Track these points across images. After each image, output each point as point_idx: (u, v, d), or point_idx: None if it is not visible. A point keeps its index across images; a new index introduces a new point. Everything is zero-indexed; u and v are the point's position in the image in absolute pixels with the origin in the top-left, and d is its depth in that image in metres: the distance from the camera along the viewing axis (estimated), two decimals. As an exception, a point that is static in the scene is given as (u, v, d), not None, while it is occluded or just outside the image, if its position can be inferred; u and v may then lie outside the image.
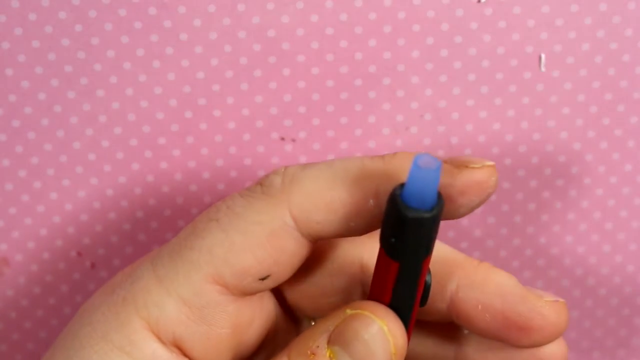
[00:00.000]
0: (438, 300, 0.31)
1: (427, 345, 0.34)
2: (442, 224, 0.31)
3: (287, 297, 0.33)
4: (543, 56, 0.36)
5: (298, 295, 0.33)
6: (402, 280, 0.27)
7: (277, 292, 0.33)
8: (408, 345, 0.29)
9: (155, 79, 0.35)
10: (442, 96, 0.36)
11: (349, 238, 0.32)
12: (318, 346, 0.28)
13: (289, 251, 0.29)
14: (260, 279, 0.29)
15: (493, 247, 0.40)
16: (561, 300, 0.31)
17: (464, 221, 0.39)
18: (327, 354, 0.27)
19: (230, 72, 0.35)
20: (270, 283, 0.30)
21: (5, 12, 0.34)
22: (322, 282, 0.32)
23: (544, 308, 0.30)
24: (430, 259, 0.28)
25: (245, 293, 0.30)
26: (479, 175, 0.29)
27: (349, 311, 0.28)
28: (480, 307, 0.31)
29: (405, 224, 0.26)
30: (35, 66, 0.35)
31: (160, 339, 0.30)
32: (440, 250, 0.32)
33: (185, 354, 0.30)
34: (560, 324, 0.30)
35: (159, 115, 0.36)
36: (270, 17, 0.34)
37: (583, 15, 0.36)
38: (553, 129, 0.37)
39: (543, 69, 0.36)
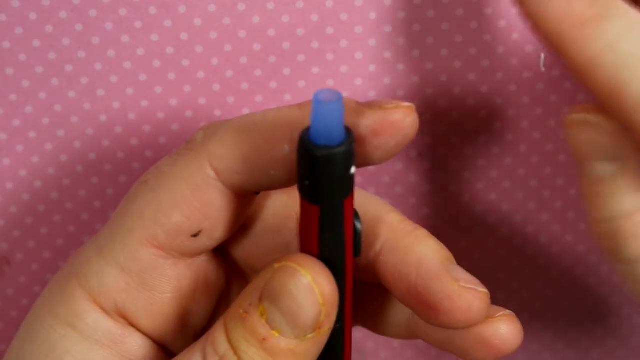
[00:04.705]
0: (364, 259, 0.30)
1: (382, 305, 0.33)
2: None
3: (239, 264, 0.33)
4: (543, 55, 0.36)
5: (246, 258, 0.32)
6: (326, 226, 0.27)
7: (231, 261, 0.33)
8: (350, 299, 0.28)
9: (156, 78, 0.35)
10: (442, 96, 0.36)
11: (285, 191, 0.32)
12: (250, 304, 0.27)
13: (216, 204, 0.29)
14: (192, 236, 0.29)
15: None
16: (482, 290, 0.29)
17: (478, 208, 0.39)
18: (259, 311, 0.27)
19: (230, 72, 0.35)
20: (205, 241, 0.30)
21: (5, 11, 0.34)
22: (264, 241, 0.32)
23: (454, 292, 0.29)
24: (352, 201, 0.27)
25: (182, 253, 0.30)
26: (393, 115, 0.28)
27: (276, 265, 0.27)
28: (397, 275, 0.29)
29: (315, 162, 0.25)
30: (36, 65, 0.35)
31: (104, 309, 0.30)
32: (378, 208, 0.31)
33: (131, 324, 0.30)
34: (471, 312, 0.29)
35: (160, 114, 0.36)
36: (270, 17, 0.34)
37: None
38: (553, 128, 0.37)
39: (543, 68, 0.36)
